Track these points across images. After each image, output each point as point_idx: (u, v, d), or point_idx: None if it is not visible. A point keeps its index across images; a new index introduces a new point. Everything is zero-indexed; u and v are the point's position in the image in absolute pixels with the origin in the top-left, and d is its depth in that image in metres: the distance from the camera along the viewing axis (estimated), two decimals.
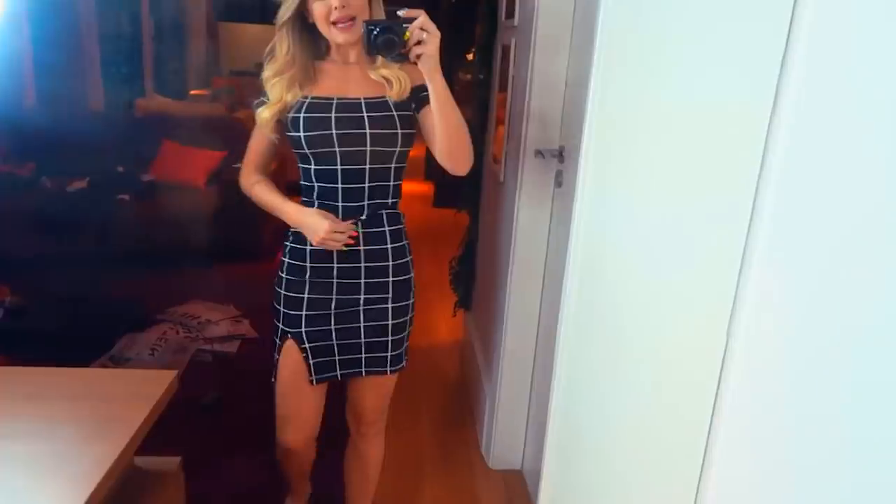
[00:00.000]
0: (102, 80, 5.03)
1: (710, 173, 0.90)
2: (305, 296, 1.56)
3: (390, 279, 1.57)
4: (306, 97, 1.48)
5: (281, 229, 1.61)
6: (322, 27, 1.45)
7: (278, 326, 1.61)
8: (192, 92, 6.67)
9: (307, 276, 1.55)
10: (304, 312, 1.56)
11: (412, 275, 1.63)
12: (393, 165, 1.53)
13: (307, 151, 1.48)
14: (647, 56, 1.24)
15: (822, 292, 0.64)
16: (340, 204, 1.51)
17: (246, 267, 3.87)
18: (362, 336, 1.59)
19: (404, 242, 1.61)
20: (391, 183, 1.55)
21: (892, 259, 0.54)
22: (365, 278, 1.56)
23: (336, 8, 1.41)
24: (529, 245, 2.12)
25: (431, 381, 2.96)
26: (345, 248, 1.51)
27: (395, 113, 1.49)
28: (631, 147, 1.24)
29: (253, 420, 1.98)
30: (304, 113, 1.47)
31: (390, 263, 1.57)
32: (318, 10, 1.43)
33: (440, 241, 3.66)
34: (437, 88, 1.40)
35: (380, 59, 1.48)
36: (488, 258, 2.63)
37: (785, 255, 0.70)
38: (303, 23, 1.49)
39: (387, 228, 1.56)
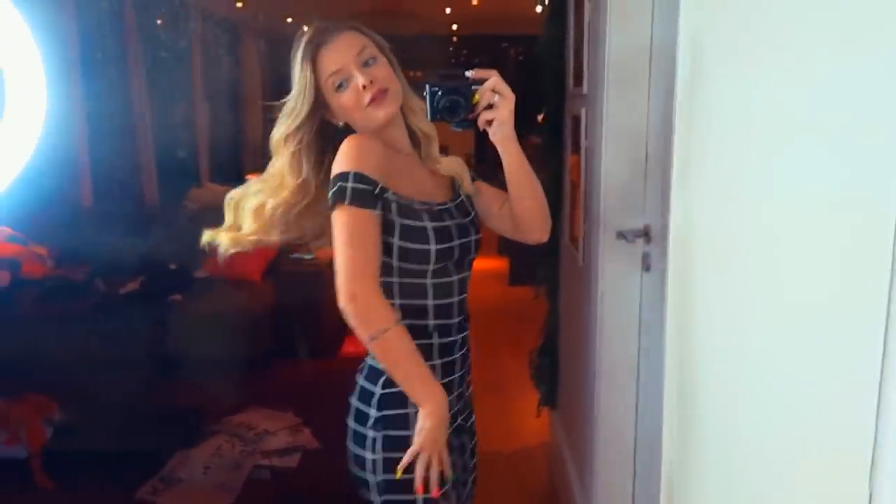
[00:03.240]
0: (157, 172, 5.35)
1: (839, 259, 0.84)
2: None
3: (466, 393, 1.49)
4: (420, 201, 1.34)
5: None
6: (356, 116, 1.33)
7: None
8: (248, 176, 6.97)
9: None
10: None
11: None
12: None
13: (431, 267, 1.33)
14: (740, 119, 1.20)
15: None
16: (455, 321, 1.39)
17: (306, 365, 3.93)
18: None
19: None
20: None
21: None
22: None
23: (365, 87, 1.29)
24: (616, 338, 2.05)
25: (513, 493, 2.84)
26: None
27: (474, 212, 1.46)
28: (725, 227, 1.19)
29: None
30: (432, 222, 1.33)
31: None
32: (345, 101, 1.32)
33: (520, 325, 3.57)
34: (513, 159, 1.35)
35: (433, 150, 1.44)
36: (572, 351, 2.56)
37: None
38: (311, 132, 1.36)
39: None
